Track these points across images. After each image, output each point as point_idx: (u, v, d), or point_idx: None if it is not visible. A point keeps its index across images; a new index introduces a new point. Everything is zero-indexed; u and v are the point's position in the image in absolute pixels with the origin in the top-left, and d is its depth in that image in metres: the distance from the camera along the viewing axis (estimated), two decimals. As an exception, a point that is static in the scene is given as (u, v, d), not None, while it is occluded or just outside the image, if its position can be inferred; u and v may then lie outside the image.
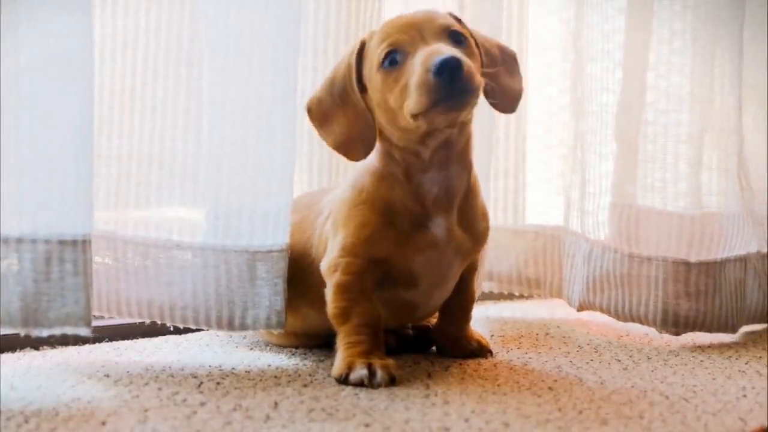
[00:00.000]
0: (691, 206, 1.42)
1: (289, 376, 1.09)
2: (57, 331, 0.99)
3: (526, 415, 0.92)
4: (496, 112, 1.46)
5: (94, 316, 1.06)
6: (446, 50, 1.00)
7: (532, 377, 1.10)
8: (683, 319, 1.36)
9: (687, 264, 1.37)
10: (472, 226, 1.14)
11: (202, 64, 1.15)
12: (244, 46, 1.13)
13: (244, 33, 1.13)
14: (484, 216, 1.17)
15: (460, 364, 1.17)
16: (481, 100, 1.06)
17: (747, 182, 1.48)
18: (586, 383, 1.08)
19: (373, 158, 1.12)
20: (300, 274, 1.17)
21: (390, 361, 1.07)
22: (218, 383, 1.04)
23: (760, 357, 1.26)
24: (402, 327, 1.26)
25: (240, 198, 1.14)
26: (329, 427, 0.87)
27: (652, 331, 1.41)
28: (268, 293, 1.15)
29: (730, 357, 1.26)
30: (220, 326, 1.15)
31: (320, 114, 1.11)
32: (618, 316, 1.41)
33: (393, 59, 1.04)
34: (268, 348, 1.26)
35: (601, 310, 1.43)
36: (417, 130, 1.05)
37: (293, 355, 1.22)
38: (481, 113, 1.25)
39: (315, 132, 1.14)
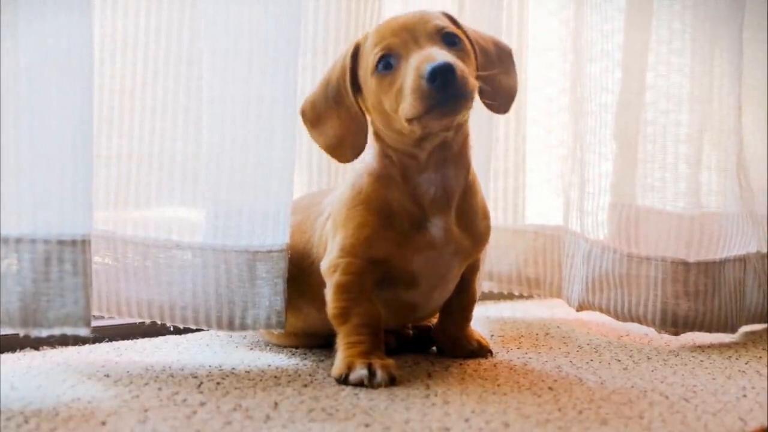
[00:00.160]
0: (690, 206, 1.42)
1: (289, 376, 1.09)
2: (56, 332, 0.99)
3: (526, 415, 0.92)
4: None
5: (94, 316, 1.06)
6: (439, 55, 1.00)
7: (532, 377, 1.10)
8: (682, 319, 1.36)
9: (686, 264, 1.37)
10: (472, 226, 1.14)
11: (201, 64, 1.15)
12: (243, 45, 1.13)
13: (243, 33, 1.13)
14: (485, 215, 1.17)
15: (460, 364, 1.17)
16: (477, 101, 1.06)
17: (746, 182, 1.48)
18: (586, 383, 1.08)
19: (371, 159, 1.12)
20: (300, 274, 1.17)
21: (390, 361, 1.07)
22: (218, 383, 1.04)
23: (760, 357, 1.26)
24: (402, 327, 1.26)
25: (240, 198, 1.14)
26: (329, 427, 0.87)
27: (651, 331, 1.41)
28: (268, 293, 1.15)
29: (730, 357, 1.26)
30: (220, 326, 1.15)
31: (314, 116, 1.11)
32: (617, 316, 1.41)
33: (387, 63, 1.04)
34: (268, 348, 1.26)
35: (601, 310, 1.43)
36: (412, 134, 1.05)
37: (293, 355, 1.22)
38: (481, 113, 1.25)
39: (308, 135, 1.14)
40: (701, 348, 1.33)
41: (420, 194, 1.10)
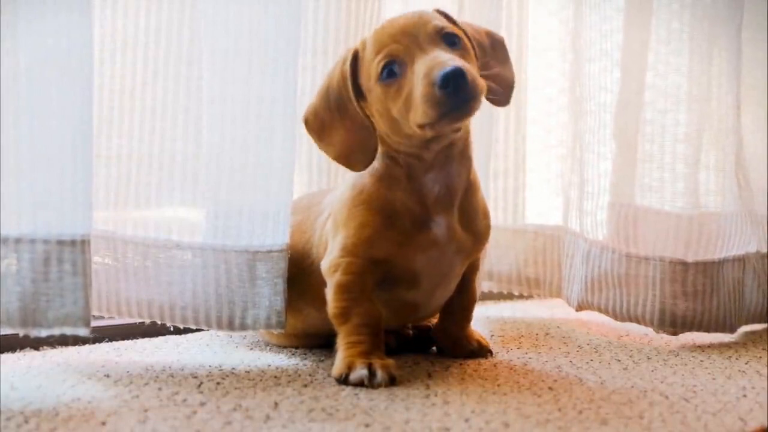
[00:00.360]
0: (688, 206, 1.42)
1: (289, 376, 1.09)
2: (56, 332, 0.99)
3: (526, 415, 0.92)
4: (496, 112, 1.47)
5: (94, 316, 1.06)
6: (447, 60, 0.99)
7: (532, 377, 1.10)
8: (680, 319, 1.36)
9: (684, 264, 1.37)
10: (473, 224, 1.14)
11: (201, 64, 1.15)
12: (243, 45, 1.13)
13: (243, 33, 1.13)
14: (485, 214, 1.17)
15: (460, 364, 1.17)
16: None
17: (745, 182, 1.48)
18: (586, 383, 1.08)
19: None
20: (300, 274, 1.17)
21: (390, 361, 1.07)
22: (218, 383, 1.04)
23: (760, 357, 1.26)
24: (402, 327, 1.26)
25: (240, 198, 1.14)
26: (329, 427, 0.87)
27: (651, 331, 1.41)
28: (268, 293, 1.15)
29: (730, 357, 1.26)
30: (220, 326, 1.15)
31: (318, 125, 1.10)
32: (616, 316, 1.41)
33: (391, 71, 1.04)
34: (268, 348, 1.26)
35: (599, 309, 1.43)
36: (422, 137, 1.05)
37: (293, 355, 1.22)
38: (480, 113, 1.25)
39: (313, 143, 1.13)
40: (701, 348, 1.33)
41: (424, 193, 1.10)
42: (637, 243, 1.41)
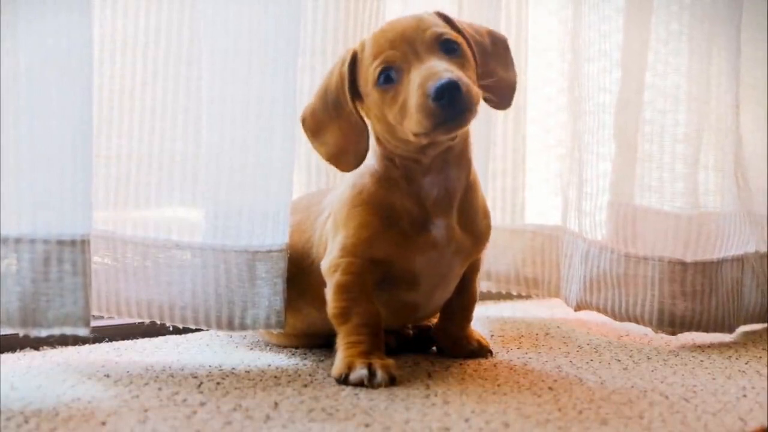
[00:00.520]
0: (688, 206, 1.42)
1: (289, 376, 1.09)
2: (56, 332, 0.99)
3: (526, 415, 0.93)
4: (494, 113, 1.47)
5: (94, 316, 1.06)
6: (442, 71, 0.99)
7: (532, 377, 1.10)
8: (679, 318, 1.36)
9: (683, 264, 1.37)
10: (473, 225, 1.14)
11: (201, 64, 1.15)
12: (243, 45, 1.13)
13: (243, 33, 1.13)
14: (485, 214, 1.17)
15: (460, 364, 1.17)
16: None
17: (744, 181, 1.48)
18: (586, 383, 1.08)
19: (373, 161, 1.12)
20: (300, 274, 1.17)
21: (390, 361, 1.07)
22: (218, 383, 1.04)
23: (760, 357, 1.26)
24: (402, 327, 1.26)
25: (239, 198, 1.14)
26: (329, 427, 0.87)
27: (651, 332, 1.42)
28: (268, 293, 1.15)
29: (730, 357, 1.26)
30: (219, 326, 1.15)
31: (314, 125, 1.11)
32: (614, 316, 1.41)
33: (388, 77, 1.04)
34: (268, 348, 1.26)
35: (598, 309, 1.43)
36: (418, 143, 1.05)
37: (293, 355, 1.22)
38: (479, 114, 1.25)
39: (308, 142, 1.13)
40: (701, 348, 1.33)
41: (423, 196, 1.10)
42: (636, 243, 1.41)
